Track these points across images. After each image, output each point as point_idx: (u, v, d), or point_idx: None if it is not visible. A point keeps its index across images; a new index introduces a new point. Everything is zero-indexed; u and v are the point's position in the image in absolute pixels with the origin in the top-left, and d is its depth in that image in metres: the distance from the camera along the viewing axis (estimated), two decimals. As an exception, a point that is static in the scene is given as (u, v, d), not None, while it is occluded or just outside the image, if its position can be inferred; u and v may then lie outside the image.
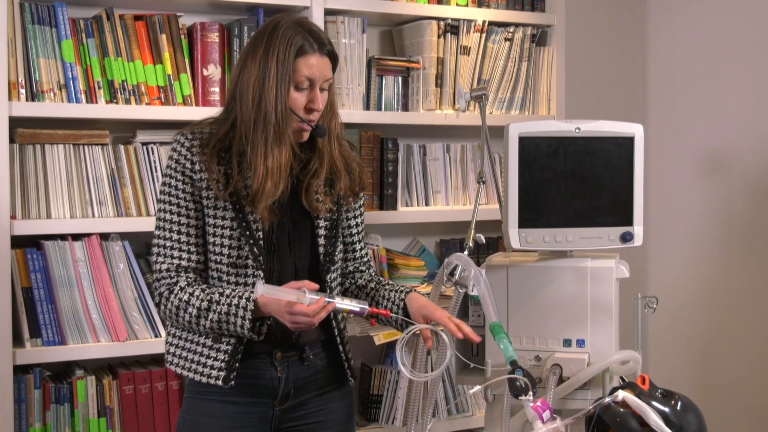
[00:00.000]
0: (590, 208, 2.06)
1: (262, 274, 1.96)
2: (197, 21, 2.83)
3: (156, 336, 2.70)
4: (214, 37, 2.81)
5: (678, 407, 1.66)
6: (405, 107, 3.16)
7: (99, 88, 2.66)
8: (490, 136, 2.58)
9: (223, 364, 1.95)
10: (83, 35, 2.65)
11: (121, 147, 2.72)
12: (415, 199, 3.20)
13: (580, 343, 2.07)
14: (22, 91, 2.56)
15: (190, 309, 1.92)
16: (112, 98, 2.68)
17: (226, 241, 1.96)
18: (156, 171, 2.74)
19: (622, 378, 2.06)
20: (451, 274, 1.98)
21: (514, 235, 2.05)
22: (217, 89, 2.81)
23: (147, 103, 2.72)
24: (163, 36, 2.74)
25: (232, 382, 1.95)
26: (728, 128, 3.41)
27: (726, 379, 3.43)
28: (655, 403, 1.64)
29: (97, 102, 2.66)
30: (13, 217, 2.55)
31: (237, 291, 1.91)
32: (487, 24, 3.21)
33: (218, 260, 1.97)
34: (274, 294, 1.83)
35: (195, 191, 1.96)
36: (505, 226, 2.07)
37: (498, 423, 1.99)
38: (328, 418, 2.09)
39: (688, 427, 1.65)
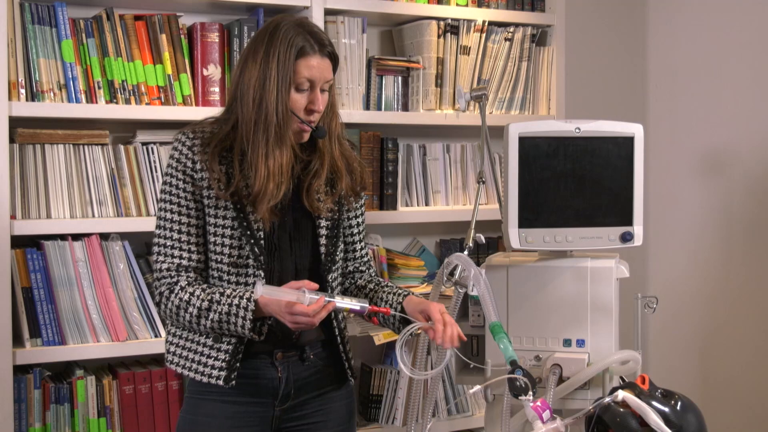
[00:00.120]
0: (590, 208, 2.07)
1: (262, 274, 1.96)
2: (197, 21, 2.83)
3: (156, 336, 2.70)
4: (214, 37, 2.81)
5: (678, 407, 1.66)
6: (405, 107, 3.16)
7: (99, 88, 2.66)
8: (490, 136, 2.58)
9: (223, 364, 1.95)
10: (83, 35, 2.65)
11: (121, 147, 2.72)
12: (415, 199, 3.20)
13: (580, 343, 2.07)
14: (22, 91, 2.56)
15: (190, 309, 1.92)
16: (112, 98, 2.68)
17: (227, 241, 1.96)
18: (156, 171, 2.74)
19: (622, 378, 2.06)
20: (451, 274, 1.97)
21: (514, 235, 2.05)
22: (217, 89, 2.81)
23: (147, 103, 2.72)
24: (163, 36, 2.74)
25: (233, 382, 1.95)
26: (728, 128, 3.41)
27: (726, 378, 3.43)
28: (655, 403, 1.64)
29: (97, 102, 2.66)
30: (13, 217, 2.55)
31: (238, 291, 1.91)
32: (487, 24, 3.21)
33: (219, 260, 1.97)
34: (274, 294, 1.83)
35: (196, 190, 1.96)
36: (505, 226, 2.07)
37: (498, 423, 1.99)
38: (329, 418, 2.09)
39: (688, 426, 1.65)
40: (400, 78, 3.14)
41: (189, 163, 1.96)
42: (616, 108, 3.68)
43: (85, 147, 2.67)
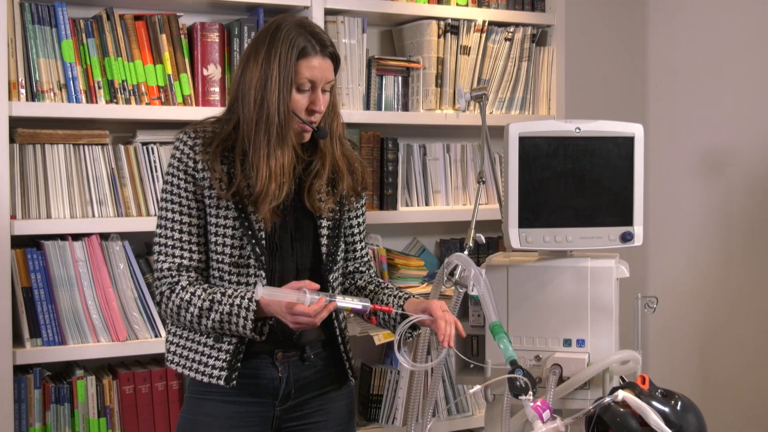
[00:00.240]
0: (590, 208, 2.07)
1: (263, 274, 1.96)
2: (197, 21, 2.83)
3: (156, 336, 2.70)
4: (214, 37, 2.81)
5: (678, 407, 1.66)
6: (405, 107, 3.16)
7: (99, 88, 2.66)
8: (490, 136, 2.58)
9: (224, 364, 1.95)
10: (83, 35, 2.65)
11: (121, 147, 2.72)
12: (415, 199, 3.20)
13: (580, 343, 2.07)
14: (22, 91, 2.56)
15: (191, 308, 1.92)
16: (112, 98, 2.68)
17: (228, 241, 1.96)
18: (156, 171, 2.74)
19: (622, 378, 2.06)
20: (451, 274, 1.97)
21: (514, 235, 2.05)
22: (217, 89, 2.81)
23: (147, 103, 2.72)
24: (163, 36, 2.74)
25: (234, 382, 1.95)
26: (728, 128, 3.41)
27: (726, 378, 3.43)
28: (655, 403, 1.64)
29: (97, 102, 2.66)
30: (13, 217, 2.55)
31: (239, 291, 1.91)
32: (487, 24, 3.21)
33: (220, 260, 1.97)
34: (275, 295, 1.83)
35: (197, 190, 1.96)
36: (505, 226, 2.07)
37: (498, 423, 1.99)
38: (329, 418, 2.09)
39: (688, 426, 1.65)
40: (400, 78, 3.14)
41: (190, 163, 1.96)
42: (616, 108, 3.68)
43: (85, 147, 2.67)
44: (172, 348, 2.02)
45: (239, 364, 1.96)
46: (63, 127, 2.65)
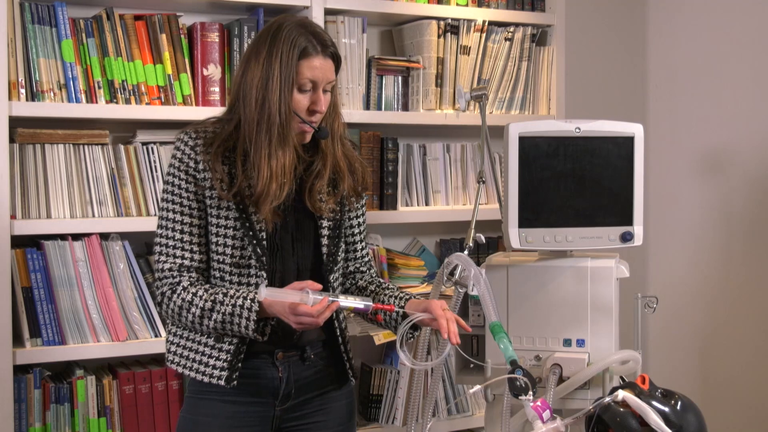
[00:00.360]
0: (590, 208, 2.07)
1: (264, 275, 1.96)
2: (197, 21, 2.83)
3: (156, 336, 2.70)
4: (214, 37, 2.81)
5: (678, 407, 1.66)
6: (405, 107, 3.16)
7: (99, 87, 2.66)
8: (490, 136, 2.58)
9: (225, 364, 1.95)
10: (83, 35, 2.65)
11: (121, 147, 2.72)
12: (415, 199, 3.20)
13: (580, 342, 2.07)
14: (22, 90, 2.56)
15: (193, 309, 1.92)
16: (112, 98, 2.68)
17: (229, 241, 1.96)
18: (156, 171, 2.74)
19: (622, 378, 2.06)
20: (451, 273, 1.97)
21: (514, 234, 2.05)
22: (217, 89, 2.81)
23: (147, 103, 2.72)
24: (163, 36, 2.74)
25: (235, 383, 1.95)
26: (728, 128, 3.41)
27: (726, 378, 3.43)
28: (655, 403, 1.64)
29: (97, 102, 2.66)
30: (13, 216, 2.55)
31: (241, 291, 1.91)
32: (487, 24, 3.21)
33: (221, 260, 1.97)
34: (278, 296, 1.83)
35: (198, 190, 1.96)
36: (505, 225, 2.07)
37: (498, 423, 1.99)
38: (329, 418, 2.09)
39: (688, 426, 1.65)
40: (400, 78, 3.14)
41: (191, 163, 1.96)
42: (616, 108, 3.68)
43: (85, 147, 2.67)
44: (173, 348, 2.02)
45: (240, 365, 1.96)
46: (63, 127, 2.65)
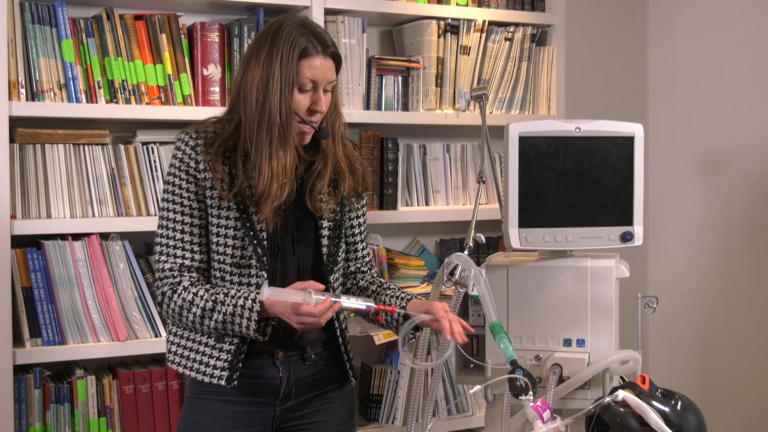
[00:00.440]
0: (590, 208, 2.07)
1: (265, 275, 1.96)
2: (197, 21, 2.83)
3: (156, 336, 2.70)
4: (214, 37, 2.81)
5: (678, 407, 1.66)
6: (405, 107, 3.16)
7: (99, 87, 2.66)
8: (490, 136, 2.58)
9: (225, 364, 1.95)
10: (83, 35, 2.65)
11: (121, 147, 2.72)
12: (415, 199, 3.20)
13: (580, 342, 2.07)
14: (22, 90, 2.56)
15: (194, 309, 1.92)
16: (112, 98, 2.68)
17: (229, 241, 1.96)
18: (156, 171, 2.74)
19: (622, 378, 2.06)
20: (451, 273, 1.97)
21: (514, 234, 2.05)
22: (217, 89, 2.81)
23: (147, 103, 2.72)
24: (163, 36, 2.74)
25: (235, 383, 1.95)
26: (728, 128, 3.41)
27: (726, 378, 3.43)
28: (655, 403, 1.64)
29: (97, 102, 2.66)
30: (13, 216, 2.55)
31: (242, 292, 1.91)
32: (487, 24, 3.21)
33: (221, 260, 1.97)
34: (280, 296, 1.83)
35: (199, 190, 1.96)
36: (505, 225, 2.07)
37: (498, 423, 1.99)
38: (329, 418, 2.09)
39: (688, 426, 1.65)
40: (400, 78, 3.14)
41: (192, 163, 1.95)
42: (616, 108, 3.68)
43: (85, 147, 2.67)
44: (173, 348, 2.02)
45: (240, 365, 1.96)
46: (63, 127, 2.65)
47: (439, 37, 3.14)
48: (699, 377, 3.52)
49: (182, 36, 2.78)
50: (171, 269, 1.96)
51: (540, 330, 2.09)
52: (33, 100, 2.58)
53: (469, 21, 3.18)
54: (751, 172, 3.32)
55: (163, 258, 1.97)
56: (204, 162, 1.95)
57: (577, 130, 2.05)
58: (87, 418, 2.65)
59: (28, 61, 2.57)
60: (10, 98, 2.52)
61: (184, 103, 2.77)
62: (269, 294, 1.82)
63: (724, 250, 3.43)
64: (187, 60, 2.78)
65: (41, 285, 2.59)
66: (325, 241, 2.03)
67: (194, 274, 1.97)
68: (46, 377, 2.64)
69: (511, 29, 3.28)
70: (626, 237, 2.06)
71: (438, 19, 3.13)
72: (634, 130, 2.06)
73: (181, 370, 1.99)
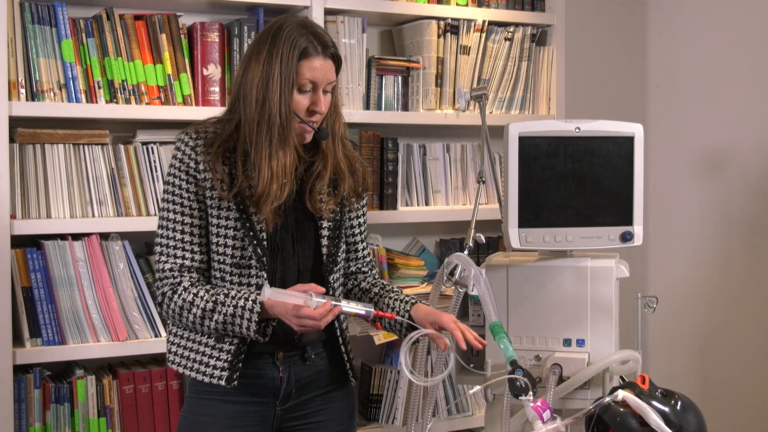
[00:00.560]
0: (590, 208, 2.07)
1: (265, 275, 1.96)
2: (197, 21, 2.83)
3: (156, 336, 2.70)
4: (214, 37, 2.81)
5: (678, 407, 1.66)
6: (405, 107, 3.16)
7: (99, 87, 2.66)
8: (490, 136, 2.58)
9: (225, 364, 1.95)
10: (83, 35, 2.65)
11: (121, 147, 2.72)
12: (415, 199, 3.20)
13: (580, 342, 2.07)
14: (22, 90, 2.56)
15: (194, 310, 1.92)
16: (112, 98, 2.68)
17: (229, 242, 1.96)
18: (156, 171, 2.74)
19: (622, 378, 2.06)
20: (451, 273, 1.97)
21: (514, 234, 2.05)
22: (217, 89, 2.81)
23: (147, 103, 2.72)
24: (163, 36, 2.74)
25: (235, 383, 1.95)
26: (728, 128, 3.41)
27: (726, 378, 3.43)
28: (655, 403, 1.64)
29: (97, 102, 2.66)
30: (13, 216, 2.55)
31: (242, 292, 1.91)
32: (487, 24, 3.21)
33: (221, 260, 1.97)
34: (282, 298, 1.83)
35: (199, 191, 1.96)
36: (505, 225, 2.07)
37: (498, 423, 1.99)
38: (329, 418, 2.09)
39: (688, 426, 1.65)
40: (400, 78, 3.14)
41: (192, 164, 1.96)
42: (616, 108, 3.68)
43: (85, 147, 2.67)
44: (173, 348, 2.02)
45: (240, 365, 1.96)
46: (63, 127, 2.65)
47: (439, 37, 3.14)
48: (699, 377, 3.52)
49: (182, 36, 2.78)
50: (171, 269, 1.96)
51: (540, 330, 2.09)
52: (33, 100, 2.58)
53: (469, 21, 3.18)
54: (751, 172, 3.32)
55: (164, 258, 1.97)
56: (204, 162, 1.95)
57: (577, 130, 2.05)
58: (87, 418, 2.65)
59: (28, 61, 2.57)
60: (10, 98, 2.52)
61: (184, 103, 2.77)
62: (270, 294, 1.82)
63: (724, 250, 3.43)
64: (187, 60, 2.78)
65: (41, 285, 2.59)
66: (324, 242, 2.03)
67: (194, 275, 1.97)
68: (46, 377, 2.64)
69: (511, 29, 3.28)
70: (626, 237, 2.06)
71: (438, 19, 3.13)
72: (634, 130, 2.06)
73: (181, 370, 2.00)
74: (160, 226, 1.98)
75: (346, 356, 2.09)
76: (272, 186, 1.91)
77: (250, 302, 1.88)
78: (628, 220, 2.07)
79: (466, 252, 1.99)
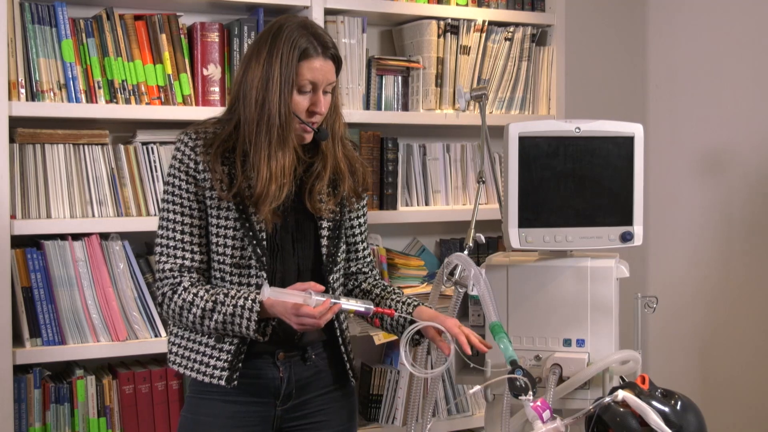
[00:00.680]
0: (590, 208, 2.07)
1: (265, 275, 1.96)
2: (197, 21, 2.83)
3: (156, 336, 2.70)
4: (214, 37, 2.81)
5: (678, 407, 1.66)
6: (405, 107, 3.16)
7: (99, 87, 2.66)
8: (490, 136, 2.58)
9: (226, 364, 1.95)
10: (83, 35, 2.65)
11: (121, 147, 2.72)
12: (415, 199, 3.20)
13: (580, 342, 2.07)
14: (22, 90, 2.56)
15: (194, 309, 1.92)
16: (112, 98, 2.68)
17: (229, 242, 1.96)
18: (156, 171, 2.74)
19: (622, 378, 2.06)
20: (451, 273, 1.97)
21: (514, 234, 2.05)
22: (217, 89, 2.81)
23: (147, 103, 2.72)
24: (163, 36, 2.74)
25: (235, 383, 1.95)
26: (728, 128, 3.41)
27: (726, 378, 3.43)
28: (655, 403, 1.64)
29: (97, 102, 2.66)
30: (13, 216, 2.55)
31: (242, 292, 1.91)
32: (487, 24, 3.21)
33: (221, 260, 1.97)
34: (281, 296, 1.83)
35: (199, 191, 1.96)
36: (505, 225, 2.07)
37: (498, 423, 1.99)
38: (330, 418, 2.09)
39: (688, 426, 1.65)
40: (400, 78, 3.14)
41: (191, 164, 1.96)
42: (616, 108, 3.68)
43: (85, 147, 2.67)
44: (174, 348, 2.02)
45: (240, 365, 1.96)
46: (63, 127, 2.65)
47: (439, 37, 3.14)
48: (699, 377, 3.52)
49: (182, 36, 2.78)
50: (171, 270, 1.96)
51: (540, 330, 2.09)
52: (33, 100, 2.58)
53: (469, 21, 3.18)
54: (751, 172, 3.32)
55: (164, 258, 1.97)
56: (203, 162, 1.95)
57: (577, 130, 2.05)
58: (87, 418, 2.65)
59: (28, 61, 2.57)
60: (10, 98, 2.52)
61: (184, 103, 2.77)
62: (270, 294, 1.82)
63: (724, 250, 3.43)
64: (187, 60, 2.78)
65: (41, 285, 2.59)
66: (324, 242, 2.03)
67: (194, 275, 1.97)
68: (46, 377, 2.64)
69: (511, 29, 3.28)
70: (626, 237, 2.06)
71: (438, 19, 3.13)
72: (634, 130, 2.06)
73: (181, 370, 2.00)
74: (160, 227, 1.98)
75: (347, 356, 2.09)
76: (271, 187, 1.91)
77: (250, 302, 1.88)
78: (628, 220, 2.07)
79: (466, 252, 1.99)
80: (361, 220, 2.15)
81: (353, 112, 2.97)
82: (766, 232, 3.30)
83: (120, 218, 2.69)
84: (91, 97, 2.66)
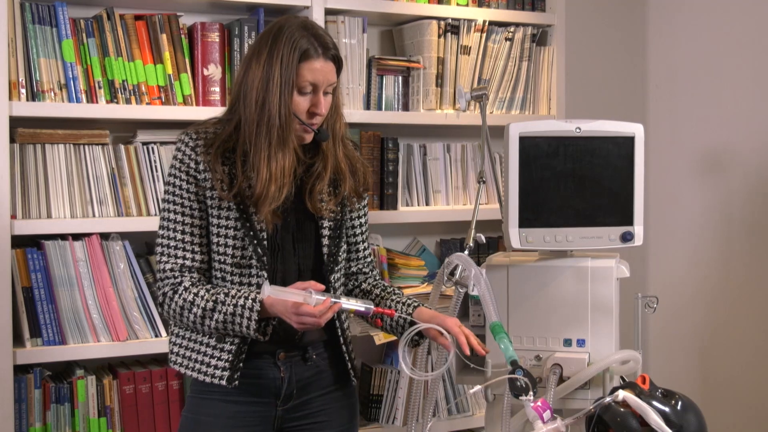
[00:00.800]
0: (590, 208, 2.07)
1: (266, 275, 1.96)
2: (197, 21, 2.83)
3: (156, 336, 2.70)
4: (215, 37, 2.81)
5: (678, 407, 1.66)
6: (405, 107, 3.16)
7: (99, 87, 2.66)
8: (490, 136, 2.58)
9: (226, 364, 1.95)
10: (84, 35, 2.65)
11: (122, 147, 2.73)
12: (415, 199, 3.20)
13: (581, 342, 2.07)
14: (23, 90, 2.56)
15: (194, 309, 1.92)
16: (112, 98, 2.68)
17: (230, 242, 1.96)
18: (156, 171, 2.74)
19: (622, 378, 2.06)
20: (452, 273, 1.97)
21: (514, 234, 2.05)
22: (217, 89, 2.81)
23: (147, 103, 2.72)
24: (164, 36, 2.74)
25: (236, 383, 1.95)
26: (728, 128, 3.41)
27: (726, 378, 3.43)
28: (655, 403, 1.64)
29: (97, 102, 2.66)
30: (13, 216, 2.55)
31: (242, 291, 1.91)
32: (487, 24, 3.21)
33: (222, 260, 1.97)
34: (281, 295, 1.83)
35: (199, 191, 1.96)
36: (506, 225, 2.07)
37: (498, 423, 1.99)
38: (331, 418, 2.09)
39: (688, 426, 1.65)
40: (400, 78, 3.15)
41: (192, 164, 1.96)
42: (616, 108, 3.68)
43: (86, 147, 2.67)
44: (175, 349, 2.02)
45: (241, 365, 1.96)
46: (63, 127, 2.65)
47: (439, 37, 3.14)
48: (699, 377, 3.52)
49: (182, 36, 2.78)
50: (172, 270, 1.96)
51: (540, 330, 2.09)
52: (33, 100, 2.58)
53: (470, 21, 3.18)
54: (751, 172, 3.32)
55: (164, 258, 1.97)
56: (204, 162, 1.95)
57: (578, 130, 2.05)
58: (87, 418, 2.65)
59: (28, 61, 2.57)
60: (10, 98, 2.52)
61: (185, 103, 2.77)
62: (270, 292, 1.82)
63: (724, 250, 3.43)
64: (187, 60, 2.78)
65: (41, 285, 2.59)
66: (325, 241, 2.03)
67: (195, 275, 1.97)
68: (46, 377, 2.64)
69: (512, 29, 3.28)
70: (626, 237, 2.06)
71: (438, 19, 3.13)
72: (634, 130, 2.06)
73: (182, 370, 2.00)
74: (161, 227, 1.99)
75: (348, 356, 2.09)
76: (270, 187, 1.91)
77: (250, 301, 1.88)
78: (628, 220, 2.07)
79: (466, 252, 1.99)
80: (362, 220, 2.15)
81: (353, 112, 2.97)
82: (766, 232, 3.30)
83: (120, 218, 2.69)
84: (91, 97, 2.66)
